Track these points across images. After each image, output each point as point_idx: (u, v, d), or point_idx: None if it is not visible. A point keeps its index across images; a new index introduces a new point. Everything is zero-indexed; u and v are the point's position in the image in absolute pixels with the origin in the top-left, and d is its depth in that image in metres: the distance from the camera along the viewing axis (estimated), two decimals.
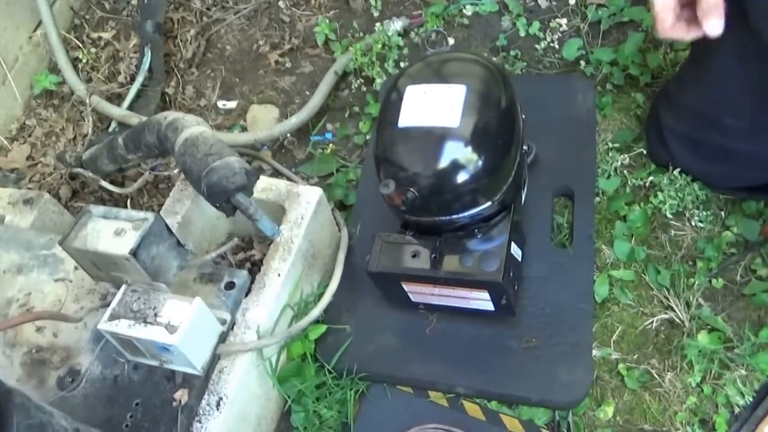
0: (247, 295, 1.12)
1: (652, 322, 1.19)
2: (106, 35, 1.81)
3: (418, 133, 1.02)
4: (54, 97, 1.75)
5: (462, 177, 1.00)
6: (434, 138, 1.01)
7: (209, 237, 1.30)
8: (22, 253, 1.20)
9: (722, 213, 1.26)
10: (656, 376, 1.15)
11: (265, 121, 1.61)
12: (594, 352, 1.17)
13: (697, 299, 1.18)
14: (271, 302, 1.11)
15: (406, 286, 1.13)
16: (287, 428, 1.20)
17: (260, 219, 1.07)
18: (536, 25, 1.55)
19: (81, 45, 1.78)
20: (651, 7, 0.96)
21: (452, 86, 1.02)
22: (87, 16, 1.87)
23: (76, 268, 1.08)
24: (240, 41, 1.76)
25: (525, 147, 1.13)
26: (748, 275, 1.21)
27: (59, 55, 1.69)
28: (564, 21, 1.54)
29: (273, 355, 1.15)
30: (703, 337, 1.15)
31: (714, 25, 0.89)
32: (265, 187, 1.23)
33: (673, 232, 1.26)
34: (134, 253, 0.92)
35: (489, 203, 1.05)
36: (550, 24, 1.54)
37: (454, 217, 1.05)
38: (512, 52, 1.53)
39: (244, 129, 1.62)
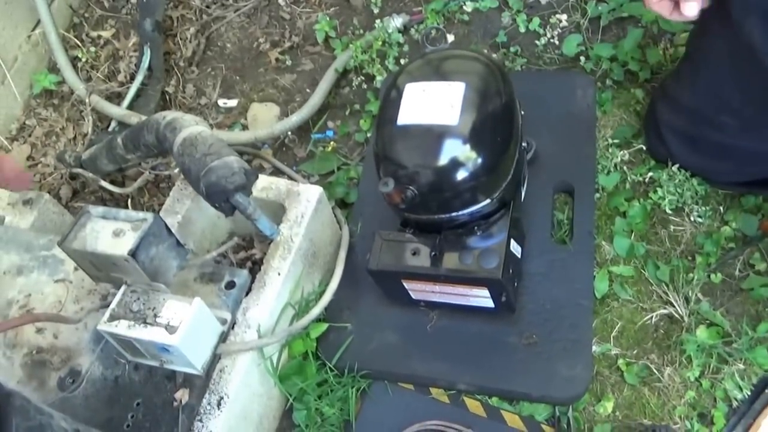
0: (247, 294, 1.13)
1: (652, 317, 1.19)
2: (106, 34, 1.81)
3: (417, 131, 1.03)
4: (54, 96, 1.75)
5: (461, 175, 1.01)
6: (433, 136, 1.01)
7: (210, 236, 1.31)
8: (22, 254, 1.20)
9: (721, 208, 1.27)
10: (655, 371, 1.15)
11: (265, 120, 1.62)
12: (594, 347, 1.17)
13: (696, 294, 1.19)
14: (271, 301, 1.12)
15: (407, 284, 1.14)
16: (289, 426, 1.21)
17: (259, 219, 1.07)
18: (536, 21, 1.55)
19: (80, 44, 1.78)
20: None
21: (451, 84, 1.03)
22: (86, 15, 1.87)
23: (76, 268, 1.08)
24: (240, 39, 1.76)
25: (525, 143, 1.13)
26: (746, 270, 1.21)
27: (58, 54, 1.69)
28: (564, 17, 1.54)
29: (274, 353, 1.15)
30: (701, 332, 1.15)
31: (690, 7, 1.01)
32: (265, 185, 1.23)
33: (672, 227, 1.27)
34: (133, 253, 0.93)
35: (488, 201, 1.06)
36: (550, 20, 1.54)
37: (454, 214, 1.06)
38: (512, 49, 1.53)
39: (244, 127, 1.62)
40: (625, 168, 1.33)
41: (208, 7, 1.81)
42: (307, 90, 1.63)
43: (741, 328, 1.15)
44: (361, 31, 1.65)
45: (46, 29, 1.69)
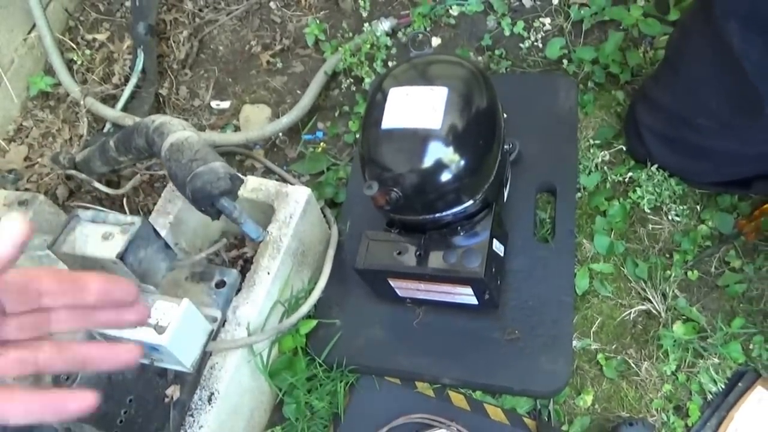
0: (237, 292, 1.15)
1: (630, 313, 1.23)
2: (101, 37, 1.83)
3: (401, 134, 1.05)
4: (50, 98, 1.78)
5: (444, 177, 1.04)
6: (416, 139, 1.04)
7: (202, 236, 1.33)
8: None
9: (698, 207, 1.30)
10: (633, 365, 1.19)
11: (257, 121, 1.64)
12: (574, 342, 1.21)
13: (673, 291, 1.22)
14: (261, 299, 1.14)
15: (393, 282, 1.17)
16: (280, 419, 1.24)
17: (245, 223, 1.08)
18: (520, 24, 1.58)
19: (75, 47, 1.81)
20: None
21: (434, 88, 1.05)
22: (81, 18, 1.89)
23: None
24: (232, 42, 1.79)
25: (508, 145, 1.16)
26: (722, 267, 1.25)
27: (54, 57, 1.71)
28: (547, 20, 1.57)
29: (264, 350, 1.18)
30: (678, 328, 1.19)
31: None
32: (255, 186, 1.26)
33: (650, 226, 1.30)
34: (121, 256, 0.93)
35: (471, 201, 1.09)
36: (534, 23, 1.57)
37: (438, 215, 1.09)
38: (497, 51, 1.57)
39: (237, 128, 1.65)
40: (605, 168, 1.36)
41: (200, 10, 1.83)
42: (298, 92, 1.66)
43: (716, 324, 1.19)
44: (350, 35, 1.68)
45: (42, 32, 1.70)
